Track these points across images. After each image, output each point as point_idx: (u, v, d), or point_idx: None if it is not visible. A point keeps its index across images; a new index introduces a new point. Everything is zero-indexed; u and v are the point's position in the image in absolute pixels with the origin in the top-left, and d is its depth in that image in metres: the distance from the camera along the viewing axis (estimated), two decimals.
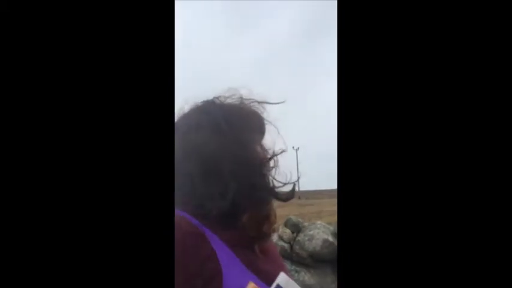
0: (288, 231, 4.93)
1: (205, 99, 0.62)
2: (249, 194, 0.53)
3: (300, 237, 4.84)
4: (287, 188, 0.58)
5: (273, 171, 0.58)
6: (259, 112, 0.62)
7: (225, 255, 0.50)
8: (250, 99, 0.62)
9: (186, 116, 0.61)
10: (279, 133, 0.62)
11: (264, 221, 0.55)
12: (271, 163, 0.58)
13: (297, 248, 4.77)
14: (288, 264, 4.69)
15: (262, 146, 0.60)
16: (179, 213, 0.52)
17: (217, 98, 0.62)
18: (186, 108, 0.62)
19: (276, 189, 0.57)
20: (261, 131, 0.62)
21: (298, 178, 0.59)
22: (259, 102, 0.62)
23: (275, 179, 0.58)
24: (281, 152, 0.60)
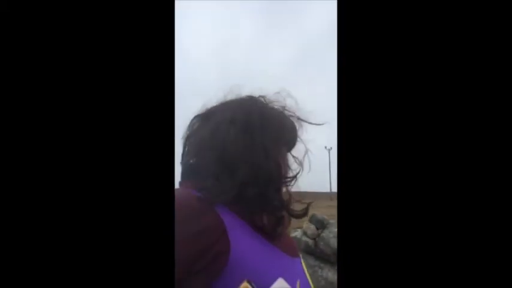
0: (312, 226, 4.89)
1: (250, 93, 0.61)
2: (261, 201, 0.52)
3: (325, 233, 4.78)
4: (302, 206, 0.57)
5: (289, 187, 0.57)
6: (296, 128, 0.61)
7: (231, 218, 0.49)
8: (292, 112, 0.61)
9: (224, 104, 0.59)
10: (307, 153, 0.60)
11: (278, 223, 0.54)
12: (290, 179, 0.57)
13: (321, 244, 4.72)
14: (311, 260, 4.67)
15: (286, 161, 0.59)
16: (186, 189, 0.53)
17: (262, 97, 0.61)
18: (229, 96, 0.60)
19: (290, 205, 0.56)
20: (291, 146, 0.61)
21: (310, 203, 0.58)
22: (299, 119, 0.61)
23: (290, 195, 0.56)
24: (297, 174, 0.58)
